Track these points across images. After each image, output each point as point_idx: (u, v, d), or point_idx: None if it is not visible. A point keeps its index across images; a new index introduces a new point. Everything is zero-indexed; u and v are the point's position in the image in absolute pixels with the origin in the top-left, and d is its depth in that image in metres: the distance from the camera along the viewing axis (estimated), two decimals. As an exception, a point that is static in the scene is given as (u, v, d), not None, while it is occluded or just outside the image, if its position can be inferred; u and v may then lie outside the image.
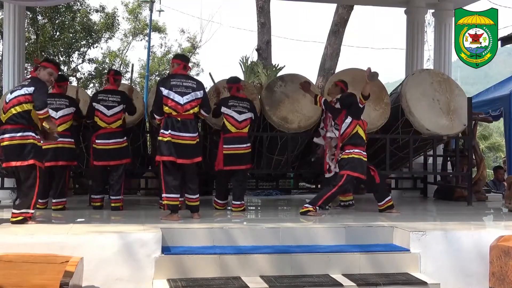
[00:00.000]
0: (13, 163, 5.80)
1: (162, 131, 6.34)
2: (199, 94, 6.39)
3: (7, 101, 5.90)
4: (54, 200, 7.19)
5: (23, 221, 5.78)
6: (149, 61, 25.21)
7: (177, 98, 6.27)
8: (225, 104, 7.18)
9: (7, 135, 5.79)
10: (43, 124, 6.06)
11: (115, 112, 7.22)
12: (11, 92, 5.97)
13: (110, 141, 7.19)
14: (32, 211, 5.88)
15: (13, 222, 5.77)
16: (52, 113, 6.91)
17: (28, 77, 6.13)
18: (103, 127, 7.19)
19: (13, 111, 5.81)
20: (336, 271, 5.25)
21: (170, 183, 6.29)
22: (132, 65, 10.73)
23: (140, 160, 9.12)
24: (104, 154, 7.19)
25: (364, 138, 7.19)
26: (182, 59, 6.77)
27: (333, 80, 8.12)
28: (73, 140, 7.26)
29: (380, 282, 5.01)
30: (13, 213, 5.82)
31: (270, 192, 10.37)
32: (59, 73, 6.64)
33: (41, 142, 6.02)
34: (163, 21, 34.56)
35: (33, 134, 5.87)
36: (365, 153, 7.12)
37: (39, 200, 6.74)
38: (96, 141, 7.20)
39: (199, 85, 6.45)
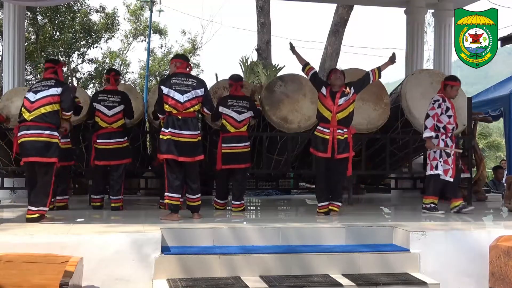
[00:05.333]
0: (38, 159, 5.93)
1: (162, 129, 6.36)
2: (200, 92, 6.38)
3: (33, 100, 6.02)
4: (57, 197, 7.22)
5: (39, 218, 5.89)
6: (148, 61, 25.22)
7: (177, 96, 6.28)
8: (224, 104, 7.16)
9: (32, 131, 5.94)
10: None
11: (116, 112, 7.23)
12: (35, 92, 6.06)
13: (111, 140, 7.20)
14: (47, 208, 6.00)
15: (28, 220, 5.84)
16: None
17: (49, 78, 6.21)
18: (104, 127, 7.21)
19: (43, 110, 5.99)
20: (336, 271, 5.24)
21: (173, 182, 6.30)
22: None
23: (140, 160, 9.13)
24: (105, 153, 7.21)
25: (321, 111, 6.85)
26: (184, 58, 6.77)
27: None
28: (69, 140, 7.25)
29: (380, 282, 5.01)
30: (29, 210, 5.91)
31: (270, 192, 10.37)
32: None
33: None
34: (164, 24, 34.57)
35: (57, 134, 6.06)
36: (323, 130, 6.81)
37: None
38: (97, 140, 7.21)
39: (200, 83, 6.45)
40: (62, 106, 6.10)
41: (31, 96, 6.08)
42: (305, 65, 7.04)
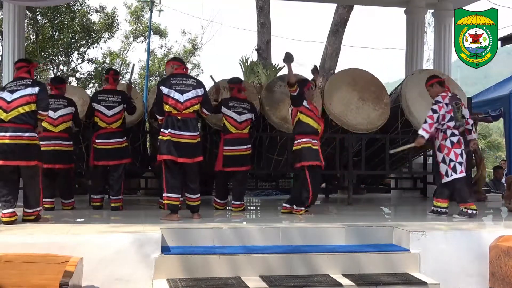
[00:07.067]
0: (19, 163, 5.81)
1: (162, 130, 6.36)
2: (200, 91, 6.40)
3: (9, 100, 5.80)
4: (63, 201, 7.25)
5: (36, 219, 5.90)
6: (148, 61, 25.21)
7: (177, 96, 6.28)
8: (225, 105, 7.19)
9: (12, 134, 5.73)
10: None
11: (116, 112, 7.23)
12: (10, 92, 5.84)
13: (110, 141, 7.20)
14: (41, 207, 6.00)
15: (25, 221, 5.84)
16: (50, 113, 6.86)
17: (24, 77, 6.00)
18: (103, 127, 7.21)
19: (21, 110, 5.79)
20: (336, 271, 5.25)
21: (171, 182, 6.29)
22: (133, 65, 10.88)
23: (140, 160, 9.12)
24: (104, 153, 7.20)
25: (312, 125, 6.92)
26: (181, 61, 6.78)
27: (333, 80, 8.12)
28: (71, 143, 7.26)
29: (380, 282, 5.01)
30: (25, 212, 5.89)
31: (270, 192, 10.36)
32: (57, 75, 6.70)
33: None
34: (164, 25, 34.47)
35: (37, 135, 5.93)
36: (315, 142, 6.91)
37: (47, 200, 6.98)
38: (96, 140, 7.21)
39: (199, 84, 6.47)
40: (38, 105, 5.86)
41: (7, 96, 5.82)
42: (294, 84, 6.94)
